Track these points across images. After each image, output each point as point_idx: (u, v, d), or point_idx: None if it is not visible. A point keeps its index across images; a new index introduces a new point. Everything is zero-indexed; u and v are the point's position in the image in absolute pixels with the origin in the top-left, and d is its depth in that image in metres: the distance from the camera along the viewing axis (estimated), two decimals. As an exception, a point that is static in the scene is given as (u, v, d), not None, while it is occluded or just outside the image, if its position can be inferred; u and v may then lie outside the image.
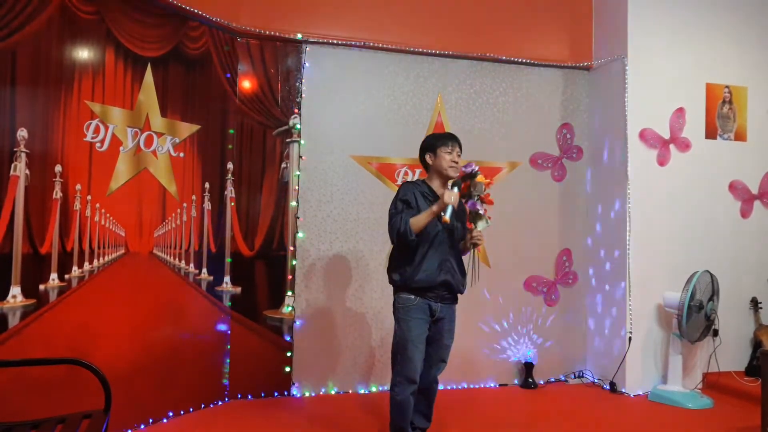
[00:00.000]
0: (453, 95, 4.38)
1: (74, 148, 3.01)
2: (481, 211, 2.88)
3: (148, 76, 3.39)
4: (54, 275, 2.93)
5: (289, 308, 3.96)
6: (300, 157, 4.06)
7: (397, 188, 3.19)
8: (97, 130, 3.12)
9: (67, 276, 2.99)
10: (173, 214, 3.57)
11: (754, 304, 4.51)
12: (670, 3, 4.38)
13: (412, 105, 4.30)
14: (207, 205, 3.77)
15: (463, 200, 2.90)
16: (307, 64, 4.08)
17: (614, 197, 4.35)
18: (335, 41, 4.12)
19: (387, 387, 3.95)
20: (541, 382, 4.42)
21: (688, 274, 3.96)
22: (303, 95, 4.08)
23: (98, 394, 2.25)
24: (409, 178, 4.23)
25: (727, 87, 4.56)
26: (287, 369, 3.99)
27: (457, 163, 2.91)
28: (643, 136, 4.28)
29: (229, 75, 3.90)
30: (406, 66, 4.29)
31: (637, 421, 3.69)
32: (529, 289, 4.52)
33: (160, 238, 3.49)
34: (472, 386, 4.33)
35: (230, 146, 3.91)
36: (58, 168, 2.93)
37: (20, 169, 2.78)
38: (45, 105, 2.89)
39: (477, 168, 2.90)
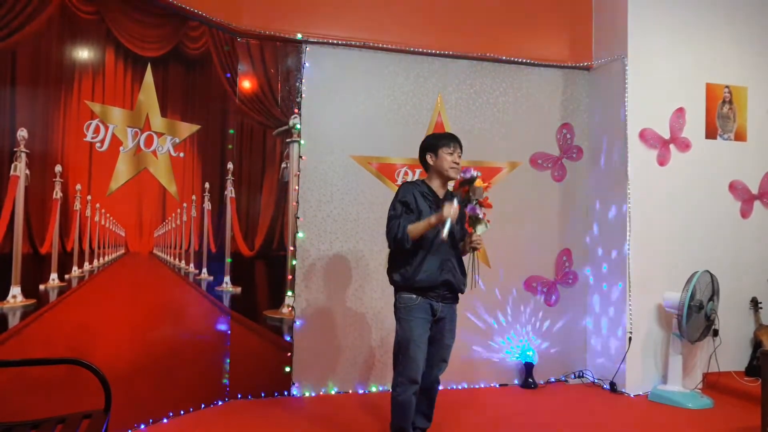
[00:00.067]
0: (453, 95, 4.38)
1: (74, 148, 3.00)
2: (480, 215, 2.87)
3: (148, 76, 3.39)
4: (54, 275, 2.93)
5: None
6: (300, 157, 4.06)
7: (397, 188, 3.18)
8: (97, 130, 3.12)
9: (67, 276, 2.99)
10: (173, 214, 3.57)
11: (754, 304, 4.51)
12: (670, 3, 4.38)
13: (412, 105, 4.30)
14: (207, 205, 3.77)
15: (462, 204, 2.90)
16: (307, 64, 4.08)
17: (614, 197, 4.35)
18: (335, 41, 4.12)
19: (387, 387, 3.96)
20: (541, 382, 4.42)
21: (688, 274, 3.96)
22: (303, 95, 4.08)
23: (98, 394, 2.25)
24: (409, 178, 4.23)
25: (727, 87, 4.56)
26: (287, 369, 3.99)
27: (458, 164, 2.91)
28: (643, 136, 4.28)
29: (229, 75, 3.90)
30: (406, 66, 4.29)
31: (637, 421, 3.69)
32: (529, 289, 4.52)
33: (160, 238, 3.49)
34: (472, 386, 4.33)
35: (230, 146, 3.91)
36: (58, 168, 2.93)
37: (20, 169, 2.77)
38: (45, 105, 2.89)
39: (476, 173, 2.89)
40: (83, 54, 3.07)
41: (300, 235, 4.05)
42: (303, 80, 4.07)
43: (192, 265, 3.70)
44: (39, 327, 2.83)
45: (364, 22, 4.19)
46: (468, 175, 2.86)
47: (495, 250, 4.37)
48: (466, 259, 3.01)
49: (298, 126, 4.07)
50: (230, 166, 3.92)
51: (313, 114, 4.09)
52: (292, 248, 4.04)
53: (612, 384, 4.25)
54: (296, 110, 4.07)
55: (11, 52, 2.76)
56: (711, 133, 4.52)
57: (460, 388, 4.29)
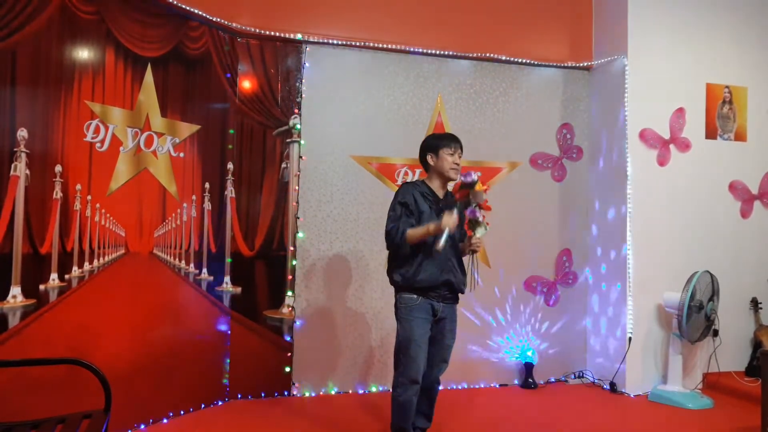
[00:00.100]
0: (453, 95, 4.38)
1: (74, 148, 3.00)
2: (480, 219, 2.87)
3: (148, 76, 3.39)
4: (54, 275, 2.93)
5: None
6: (300, 157, 4.06)
7: (397, 188, 3.18)
8: (97, 130, 3.12)
9: (67, 276, 2.99)
10: (173, 214, 3.57)
11: (754, 304, 4.51)
12: (670, 3, 4.38)
13: (412, 105, 4.30)
14: (207, 205, 3.77)
15: (462, 207, 2.90)
16: (307, 64, 4.08)
17: (614, 197, 4.35)
18: (335, 41, 4.12)
19: (387, 387, 3.97)
20: (541, 382, 4.42)
21: (688, 274, 3.96)
22: (303, 95, 4.08)
23: (98, 394, 2.25)
24: (409, 178, 4.23)
25: (727, 87, 4.56)
26: (287, 369, 3.99)
27: (458, 165, 2.91)
28: (643, 136, 4.28)
29: (229, 75, 3.90)
30: (406, 66, 4.29)
31: (637, 421, 3.69)
32: (529, 289, 4.52)
33: (160, 238, 3.49)
34: (472, 386, 4.33)
35: (230, 146, 3.91)
36: (58, 168, 2.93)
37: (20, 169, 2.77)
38: (45, 105, 2.89)
39: (476, 177, 2.88)
40: (83, 54, 3.07)
41: (300, 235, 4.05)
42: (303, 80, 4.07)
43: (192, 265, 3.70)
44: (39, 327, 2.83)
45: (364, 22, 4.19)
46: (469, 179, 2.85)
47: (495, 250, 4.37)
48: (466, 260, 3.01)
49: (298, 126, 4.07)
50: (230, 166, 3.92)
51: (313, 114, 4.09)
52: (292, 248, 4.04)
53: (612, 384, 4.25)
54: (296, 110, 4.07)
55: (11, 52, 2.75)
56: (711, 133, 4.52)
57: (460, 388, 4.29)
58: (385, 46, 4.21)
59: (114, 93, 3.21)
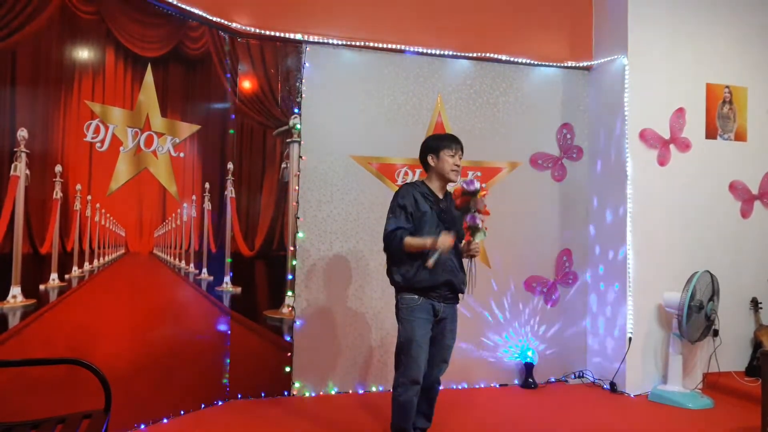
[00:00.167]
0: (453, 95, 4.38)
1: (74, 148, 3.00)
2: (479, 225, 2.87)
3: (148, 76, 3.39)
4: (54, 275, 2.93)
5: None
6: (300, 157, 4.06)
7: (397, 188, 3.18)
8: (97, 130, 3.12)
9: (67, 276, 2.99)
10: (173, 214, 3.57)
11: (754, 304, 4.51)
12: (670, 3, 4.38)
13: (412, 105, 4.30)
14: (207, 205, 3.77)
15: (462, 212, 2.89)
16: (307, 64, 4.08)
17: (614, 197, 4.35)
18: (335, 41, 4.12)
19: (387, 387, 3.97)
20: (541, 383, 4.41)
21: (688, 274, 3.96)
22: (303, 95, 4.07)
23: (98, 394, 2.25)
24: (410, 179, 4.23)
25: (727, 87, 4.56)
26: (287, 369, 3.99)
27: (459, 166, 2.91)
28: (643, 136, 4.28)
29: (229, 75, 3.90)
30: (406, 66, 4.29)
31: (637, 421, 3.69)
32: (529, 289, 4.52)
33: (160, 238, 3.49)
34: (472, 386, 4.33)
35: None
36: (58, 168, 2.93)
37: (20, 169, 2.77)
38: (45, 105, 2.89)
39: (479, 185, 2.87)
40: (83, 54, 3.07)
41: (300, 235, 4.05)
42: (303, 80, 4.07)
43: (192, 265, 3.70)
44: (39, 327, 2.83)
45: (364, 22, 4.19)
46: (472, 188, 2.82)
47: (495, 251, 4.37)
48: (465, 262, 3.01)
49: (298, 126, 4.07)
50: (230, 166, 3.92)
51: (313, 114, 4.09)
52: (292, 248, 4.04)
53: (612, 384, 4.25)
54: (296, 110, 4.07)
55: (11, 52, 2.75)
56: (711, 133, 4.52)
57: (460, 388, 4.29)
58: (385, 46, 4.21)
59: (114, 93, 3.21)
